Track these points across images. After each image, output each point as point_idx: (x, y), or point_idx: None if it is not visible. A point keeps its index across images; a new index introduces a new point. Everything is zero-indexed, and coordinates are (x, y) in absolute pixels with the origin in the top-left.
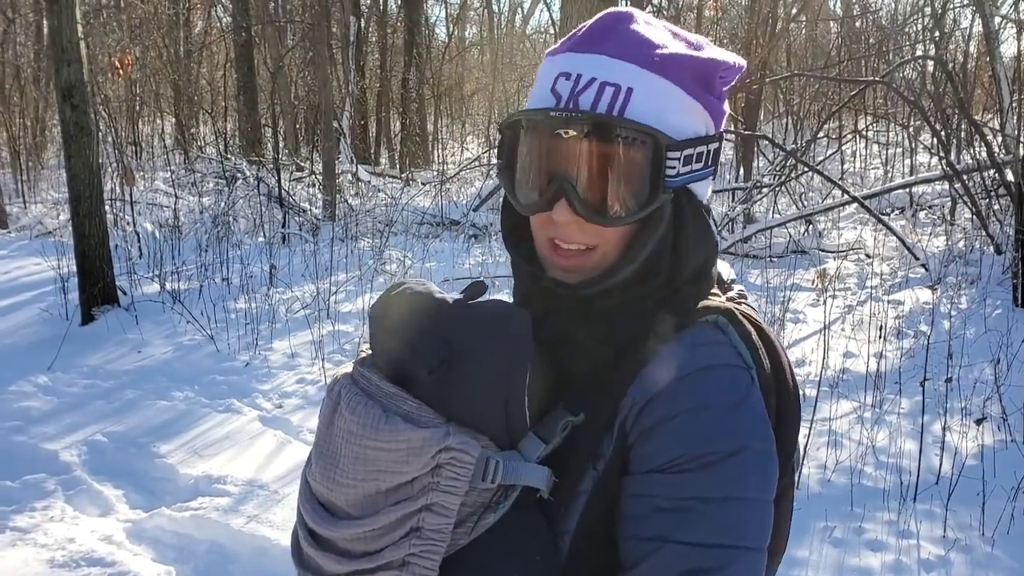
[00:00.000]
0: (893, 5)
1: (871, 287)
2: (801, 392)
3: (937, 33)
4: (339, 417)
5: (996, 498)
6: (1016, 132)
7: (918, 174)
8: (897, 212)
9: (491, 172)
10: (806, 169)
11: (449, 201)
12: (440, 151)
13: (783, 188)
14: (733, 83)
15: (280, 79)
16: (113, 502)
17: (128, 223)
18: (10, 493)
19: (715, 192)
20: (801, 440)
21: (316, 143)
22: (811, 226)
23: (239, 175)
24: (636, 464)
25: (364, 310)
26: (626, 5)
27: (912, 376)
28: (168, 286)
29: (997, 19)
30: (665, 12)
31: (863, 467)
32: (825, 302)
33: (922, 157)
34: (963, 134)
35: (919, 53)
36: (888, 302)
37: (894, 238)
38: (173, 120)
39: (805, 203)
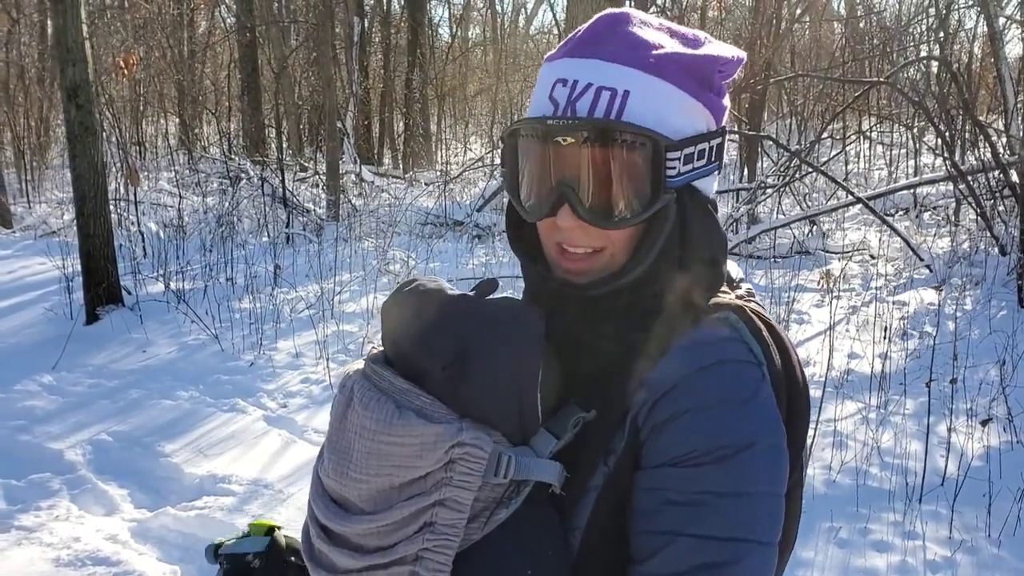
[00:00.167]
0: (897, 6)
1: (875, 288)
2: (809, 395)
3: (941, 34)
4: (352, 412)
5: (1002, 499)
6: (1021, 133)
7: (922, 175)
8: (901, 213)
9: (494, 173)
10: (810, 170)
11: (452, 201)
12: (443, 151)
13: (787, 189)
14: (734, 77)
15: (284, 79)
16: (118, 501)
17: (132, 223)
18: (15, 492)
19: (719, 193)
20: (806, 441)
21: (320, 143)
22: (815, 227)
23: (243, 175)
24: (648, 459)
25: (368, 310)
26: (630, 6)
27: (917, 377)
28: (172, 286)
29: (1002, 20)
30: (669, 12)
31: (868, 468)
32: (830, 303)
33: (926, 158)
34: (967, 135)
35: (923, 54)
36: (892, 303)
37: (898, 239)
38: (177, 120)
39: (809, 204)
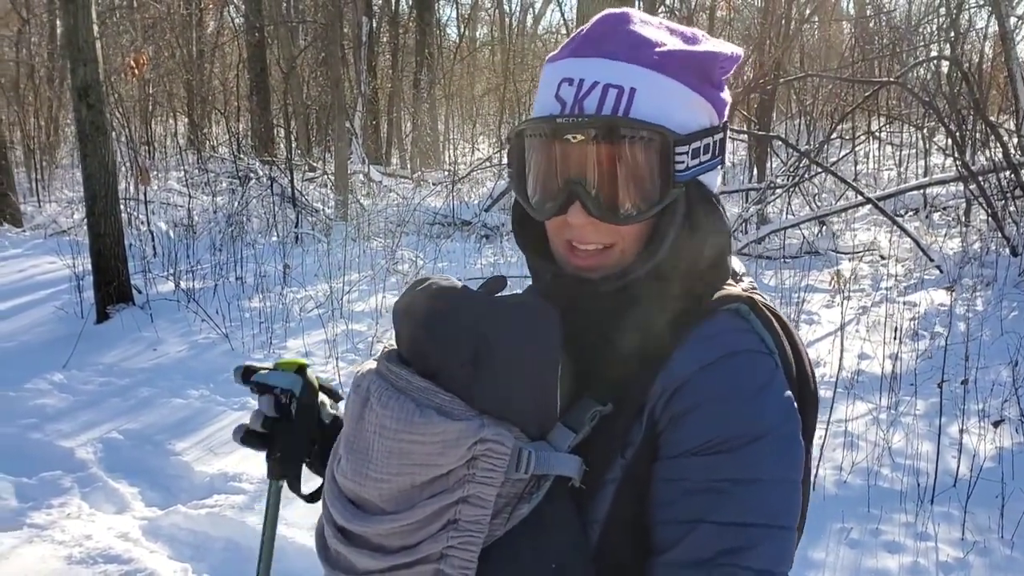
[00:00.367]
0: (907, 6)
1: (886, 289)
2: (817, 385)
3: (952, 33)
4: (370, 412)
5: (1015, 500)
6: None
7: (932, 175)
8: (911, 213)
9: (502, 172)
10: (820, 170)
11: (460, 201)
12: (451, 151)
13: (797, 189)
14: (732, 73)
15: (293, 79)
16: (129, 499)
17: (142, 222)
18: (27, 490)
19: (729, 193)
20: (817, 441)
21: (328, 143)
22: (825, 227)
23: (252, 175)
24: (666, 450)
25: (377, 309)
26: (639, 6)
27: (928, 378)
28: (183, 285)
29: (1013, 19)
30: (677, 13)
31: (879, 469)
32: (841, 303)
33: (936, 158)
34: (978, 135)
35: (933, 53)
36: (903, 304)
37: (908, 239)
38: (186, 120)
39: (819, 204)
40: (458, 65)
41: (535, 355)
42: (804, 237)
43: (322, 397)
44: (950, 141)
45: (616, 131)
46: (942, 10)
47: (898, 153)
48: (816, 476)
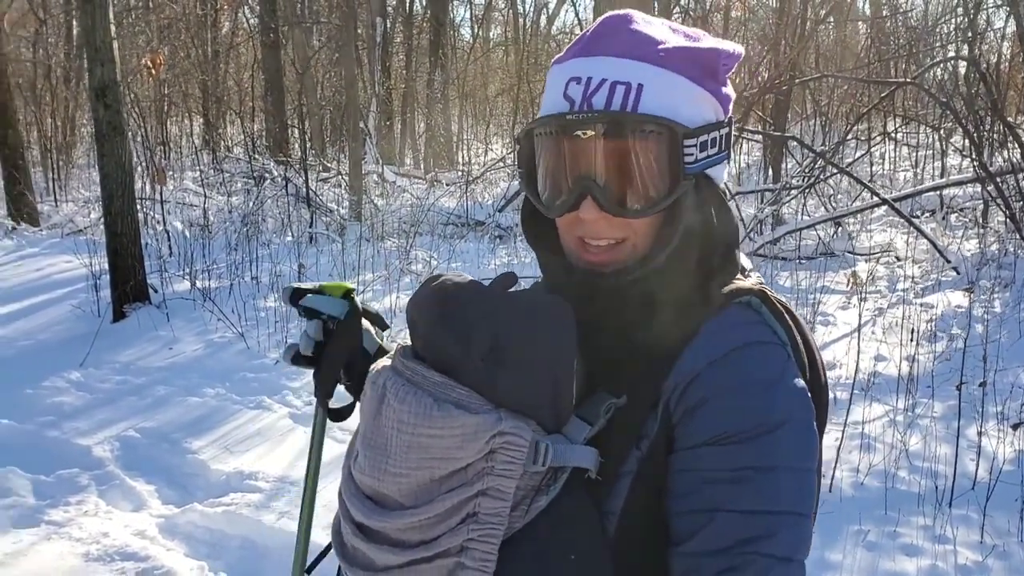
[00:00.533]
0: (923, 6)
1: (902, 290)
2: (831, 392)
3: (969, 33)
4: (387, 407)
5: None
6: None
7: (949, 176)
8: (928, 215)
9: (516, 173)
10: (835, 171)
11: (474, 202)
12: (465, 152)
13: (812, 190)
14: (733, 69)
15: (307, 80)
16: (146, 497)
17: (158, 222)
18: (44, 487)
19: (744, 193)
20: (834, 443)
21: (342, 144)
22: (840, 228)
23: (267, 175)
24: (682, 441)
25: (391, 309)
26: (655, 7)
27: (945, 380)
28: (198, 284)
29: None
30: (692, 14)
31: (897, 471)
32: (857, 304)
33: (953, 159)
34: (996, 136)
35: (951, 54)
36: (920, 305)
37: (925, 241)
38: (201, 120)
39: (834, 205)
40: (472, 65)
41: (551, 349)
42: (820, 238)
43: (366, 324)
44: (967, 142)
45: (625, 125)
46: (959, 10)
47: (914, 154)
48: (833, 478)
